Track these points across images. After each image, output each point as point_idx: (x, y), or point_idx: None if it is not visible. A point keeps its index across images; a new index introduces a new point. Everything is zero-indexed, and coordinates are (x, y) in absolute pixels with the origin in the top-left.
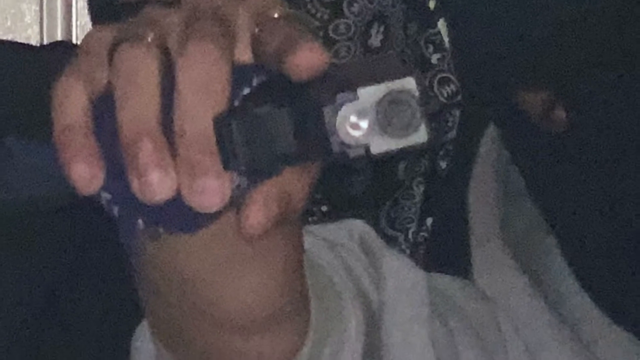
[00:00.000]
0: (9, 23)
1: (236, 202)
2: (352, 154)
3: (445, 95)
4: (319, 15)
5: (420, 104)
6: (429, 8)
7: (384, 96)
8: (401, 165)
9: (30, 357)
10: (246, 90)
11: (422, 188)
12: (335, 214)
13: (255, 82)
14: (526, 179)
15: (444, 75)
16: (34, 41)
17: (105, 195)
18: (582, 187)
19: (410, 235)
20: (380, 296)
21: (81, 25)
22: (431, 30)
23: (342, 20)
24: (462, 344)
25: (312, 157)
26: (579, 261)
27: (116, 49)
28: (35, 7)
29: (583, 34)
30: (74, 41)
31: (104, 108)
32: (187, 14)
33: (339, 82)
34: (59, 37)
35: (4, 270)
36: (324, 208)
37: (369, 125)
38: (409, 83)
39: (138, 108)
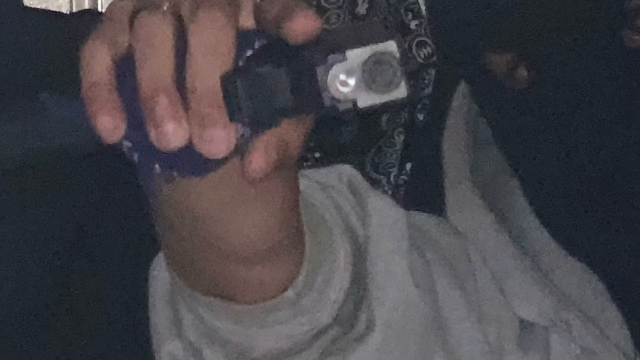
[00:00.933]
0: None
1: (240, 150)
2: (342, 107)
3: (422, 56)
4: None
5: (400, 64)
6: None
7: (369, 57)
8: (384, 117)
9: (61, 285)
10: (249, 52)
11: (402, 137)
12: (326, 160)
13: (257, 45)
14: (493, 129)
15: (421, 39)
16: (65, 10)
17: (127, 144)
18: (541, 136)
19: (392, 178)
20: (365, 231)
21: None
22: (410, 0)
23: None
24: (437, 272)
25: (306, 110)
26: (539, 201)
27: (136, 17)
28: None
29: (542, 3)
30: (100, 10)
31: (125, 68)
32: None
33: (329, 45)
34: (86, 7)
35: (38, 209)
36: (317, 154)
37: (356, 83)
38: (391, 46)
39: (155, 67)
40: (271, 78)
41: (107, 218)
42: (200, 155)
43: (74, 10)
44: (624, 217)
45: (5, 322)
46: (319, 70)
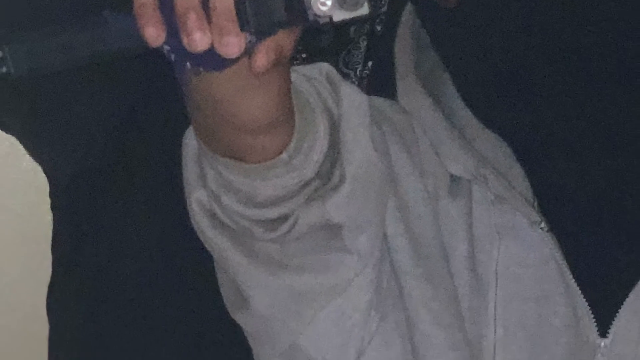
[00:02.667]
0: None
1: (248, 52)
2: (321, 21)
3: None
4: None
5: None
6: None
7: None
8: (352, 28)
9: (119, 149)
10: None
11: (365, 42)
12: (310, 60)
13: None
14: (430, 36)
15: None
16: None
17: (166, 47)
18: (465, 41)
19: (357, 73)
20: (339, 110)
21: None
22: None
23: None
24: (390, 140)
25: (296, 23)
26: (463, 88)
27: None
28: None
29: None
30: None
31: None
32: None
33: None
34: None
35: (102, 94)
36: (304, 55)
37: (332, 3)
38: None
39: None
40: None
41: (152, 100)
42: (219, 55)
43: None
44: (526, 99)
45: (78, 176)
46: None
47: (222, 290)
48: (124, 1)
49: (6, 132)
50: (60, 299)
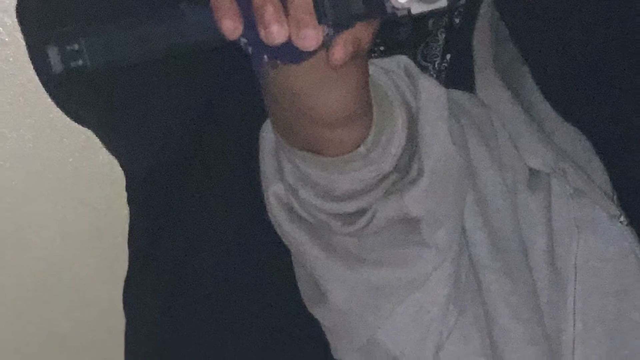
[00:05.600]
0: None
1: (326, 44)
2: (399, 14)
3: None
4: None
5: None
6: None
7: None
8: (430, 21)
9: (195, 143)
10: None
11: (443, 35)
12: (388, 52)
13: None
14: (509, 29)
15: None
16: None
17: (243, 40)
18: (543, 33)
19: (436, 66)
20: (417, 103)
21: None
22: None
23: None
24: (468, 133)
25: (374, 15)
26: (543, 81)
27: None
28: None
29: None
30: None
31: None
32: None
33: None
34: None
35: (179, 87)
36: (381, 48)
37: None
38: None
39: None
40: None
41: (230, 94)
42: (297, 48)
43: None
44: (605, 92)
45: (155, 170)
46: None
47: (299, 284)
48: None
49: (82, 126)
50: (137, 293)
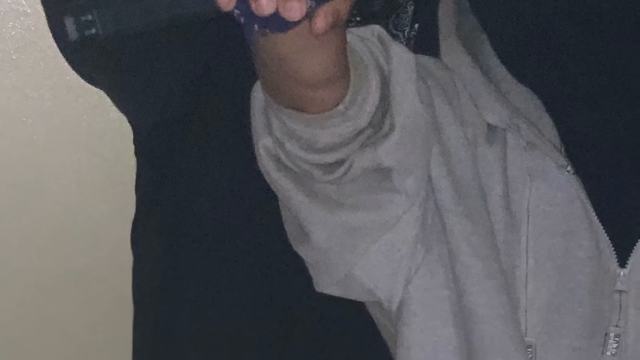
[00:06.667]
0: None
1: (309, 15)
2: None
3: None
4: None
5: None
6: None
7: None
8: None
9: (194, 101)
10: None
11: (412, 7)
12: (364, 22)
13: None
14: (470, 1)
15: None
16: None
17: (236, 11)
18: (500, 5)
19: (406, 34)
20: (389, 67)
21: None
22: None
23: None
24: (434, 93)
25: None
26: (499, 47)
27: None
28: None
29: None
30: None
31: None
32: None
33: None
34: None
35: (180, 52)
36: (358, 19)
37: None
38: None
39: None
40: None
41: (224, 58)
42: (283, 19)
43: None
44: (554, 56)
45: (159, 125)
46: None
47: (285, 226)
48: None
49: (95, 87)
50: (143, 234)
